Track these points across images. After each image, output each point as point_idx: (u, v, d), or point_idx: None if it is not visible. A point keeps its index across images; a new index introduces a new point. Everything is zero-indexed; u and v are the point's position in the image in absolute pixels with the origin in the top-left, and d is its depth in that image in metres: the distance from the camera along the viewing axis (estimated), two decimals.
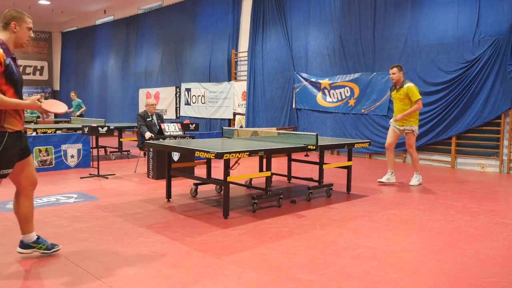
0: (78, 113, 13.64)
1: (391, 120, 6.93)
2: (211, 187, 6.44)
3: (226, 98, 13.86)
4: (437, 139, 9.23)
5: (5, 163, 3.13)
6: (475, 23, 8.52)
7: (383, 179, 6.96)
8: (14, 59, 3.16)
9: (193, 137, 7.55)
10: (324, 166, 5.91)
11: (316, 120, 11.37)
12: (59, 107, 3.41)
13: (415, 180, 6.93)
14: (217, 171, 7.26)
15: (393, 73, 6.66)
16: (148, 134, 7.38)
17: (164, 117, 15.66)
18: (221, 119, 14.11)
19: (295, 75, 11.75)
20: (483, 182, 7.32)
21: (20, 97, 3.21)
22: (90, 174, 7.49)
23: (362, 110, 10.27)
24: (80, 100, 13.99)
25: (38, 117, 12.89)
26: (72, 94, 14.11)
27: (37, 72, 23.56)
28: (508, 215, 5.03)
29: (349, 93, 10.61)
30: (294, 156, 7.18)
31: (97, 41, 20.77)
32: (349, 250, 3.71)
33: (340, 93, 10.77)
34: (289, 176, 6.96)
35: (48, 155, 7.90)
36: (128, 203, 5.37)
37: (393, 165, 6.97)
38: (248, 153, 4.65)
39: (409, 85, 6.59)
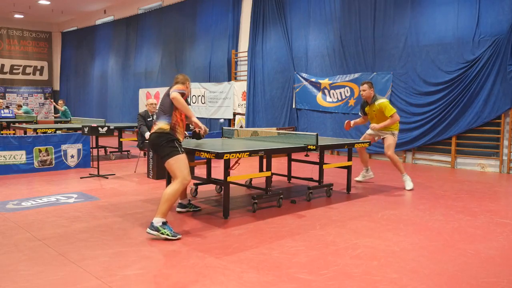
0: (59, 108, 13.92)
1: (369, 129, 6.79)
2: (211, 187, 6.44)
3: (226, 98, 13.86)
4: (437, 139, 9.22)
5: None
6: (475, 23, 8.52)
7: (360, 178, 7.15)
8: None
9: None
10: (324, 166, 5.91)
11: (316, 120, 11.37)
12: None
13: (408, 182, 6.55)
14: (217, 171, 7.25)
15: (364, 90, 6.51)
16: (148, 134, 7.36)
17: None
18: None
19: (295, 75, 11.75)
20: (483, 182, 7.32)
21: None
22: (90, 174, 7.49)
23: None
24: (66, 107, 14.22)
25: (30, 109, 13.03)
26: (60, 102, 14.29)
27: (37, 72, 23.56)
28: (508, 215, 5.03)
29: (349, 93, 10.61)
30: (294, 156, 7.17)
31: (97, 41, 20.77)
32: (349, 250, 3.71)
33: (340, 93, 10.77)
34: (289, 176, 6.96)
35: (48, 155, 7.90)
36: (128, 203, 5.37)
37: (367, 162, 7.12)
38: (248, 153, 4.65)
39: (380, 101, 6.47)
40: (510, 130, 8.33)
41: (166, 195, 3.94)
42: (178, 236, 3.91)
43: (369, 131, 6.86)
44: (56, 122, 13.34)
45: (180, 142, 4.23)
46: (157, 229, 3.84)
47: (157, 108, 4.38)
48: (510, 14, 8.10)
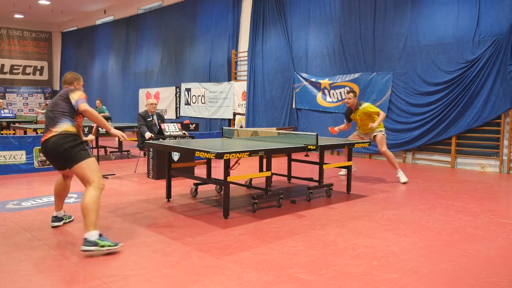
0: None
1: (356, 131, 7.49)
2: (211, 187, 6.44)
3: (226, 98, 13.86)
4: (437, 139, 9.23)
5: None
6: (475, 23, 8.52)
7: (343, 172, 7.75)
8: None
9: (193, 137, 7.55)
10: (324, 166, 5.91)
11: (316, 120, 11.37)
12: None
13: (402, 177, 7.10)
14: (217, 171, 7.25)
15: (349, 98, 7.11)
16: (148, 134, 7.37)
17: (164, 117, 15.67)
18: (221, 119, 14.12)
19: (295, 75, 11.75)
20: (483, 182, 7.32)
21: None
22: None
23: None
24: (104, 107, 14.38)
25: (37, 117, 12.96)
26: (98, 102, 14.44)
27: (37, 72, 23.57)
28: (508, 215, 5.03)
29: None
30: (294, 156, 7.17)
31: (97, 41, 20.77)
32: (349, 250, 3.71)
33: (340, 93, 10.77)
34: (289, 176, 6.96)
35: None
36: (128, 203, 5.37)
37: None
38: (248, 153, 4.64)
39: (365, 105, 7.09)
40: (510, 130, 8.34)
41: (90, 205, 3.57)
42: (120, 244, 3.60)
43: (356, 133, 7.47)
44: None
45: (88, 145, 3.98)
46: (95, 244, 3.46)
47: (50, 113, 3.90)
48: (510, 14, 8.10)
